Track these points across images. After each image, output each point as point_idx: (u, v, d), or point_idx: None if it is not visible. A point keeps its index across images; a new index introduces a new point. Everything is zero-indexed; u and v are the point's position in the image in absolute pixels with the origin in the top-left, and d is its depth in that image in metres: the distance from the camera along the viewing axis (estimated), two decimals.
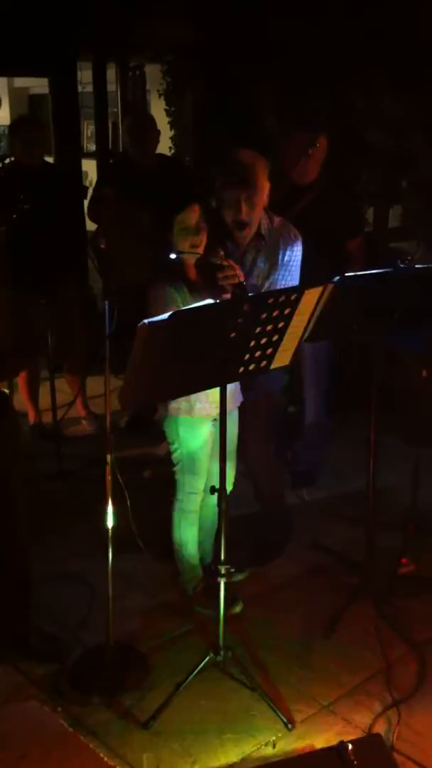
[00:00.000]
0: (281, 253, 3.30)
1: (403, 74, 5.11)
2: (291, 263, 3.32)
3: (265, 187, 3.22)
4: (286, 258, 3.31)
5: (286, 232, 3.33)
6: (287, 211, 3.57)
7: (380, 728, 2.77)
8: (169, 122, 7.05)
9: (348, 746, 2.58)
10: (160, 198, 4.30)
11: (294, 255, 3.32)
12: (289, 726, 2.78)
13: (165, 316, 2.40)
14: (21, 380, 5.03)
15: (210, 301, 2.64)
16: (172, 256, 3.00)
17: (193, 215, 3.03)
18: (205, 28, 5.78)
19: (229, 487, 3.30)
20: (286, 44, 5.37)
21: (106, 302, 2.70)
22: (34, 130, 4.69)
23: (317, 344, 3.95)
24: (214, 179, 3.33)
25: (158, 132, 4.97)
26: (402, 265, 3.10)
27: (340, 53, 5.17)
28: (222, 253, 2.96)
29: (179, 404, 3.14)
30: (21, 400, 5.08)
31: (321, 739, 2.74)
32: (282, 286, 3.27)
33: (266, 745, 2.72)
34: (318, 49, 5.21)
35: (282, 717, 2.79)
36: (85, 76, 6.80)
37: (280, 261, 3.30)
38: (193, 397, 3.08)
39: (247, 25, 5.55)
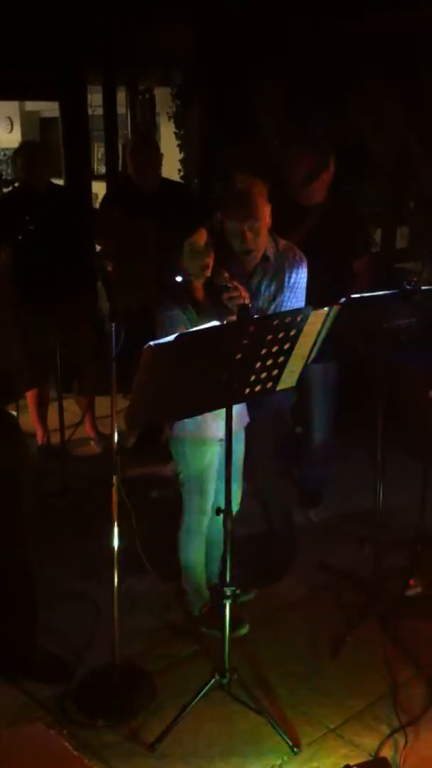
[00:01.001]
0: (287, 275, 3.32)
1: (406, 91, 5.14)
2: (296, 285, 3.34)
3: (266, 212, 3.25)
4: (291, 280, 3.33)
5: (291, 254, 3.35)
6: (293, 232, 3.59)
7: (387, 752, 2.75)
8: (178, 145, 7.10)
9: None
10: (162, 220, 4.34)
11: (299, 277, 3.34)
12: (295, 749, 2.76)
13: (170, 338, 2.41)
14: (30, 401, 5.06)
15: (215, 323, 2.66)
16: (178, 279, 3.02)
17: (201, 238, 3.06)
18: (209, 48, 5.83)
19: (235, 508, 3.30)
20: (289, 63, 5.41)
21: (113, 324, 2.72)
22: (37, 154, 4.74)
23: (325, 365, 3.96)
24: (215, 208, 3.37)
25: (159, 155, 4.99)
26: (408, 287, 3.10)
27: (343, 71, 5.21)
28: (227, 275, 2.98)
29: (185, 425, 3.15)
30: (29, 420, 5.10)
31: (327, 763, 2.72)
32: (287, 308, 3.28)
33: None
34: (321, 68, 5.25)
35: (288, 740, 2.77)
36: (95, 99, 6.87)
37: (285, 283, 3.32)
38: (199, 417, 3.08)
39: (249, 45, 5.60)
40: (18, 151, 4.88)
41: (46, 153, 4.93)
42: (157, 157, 4.93)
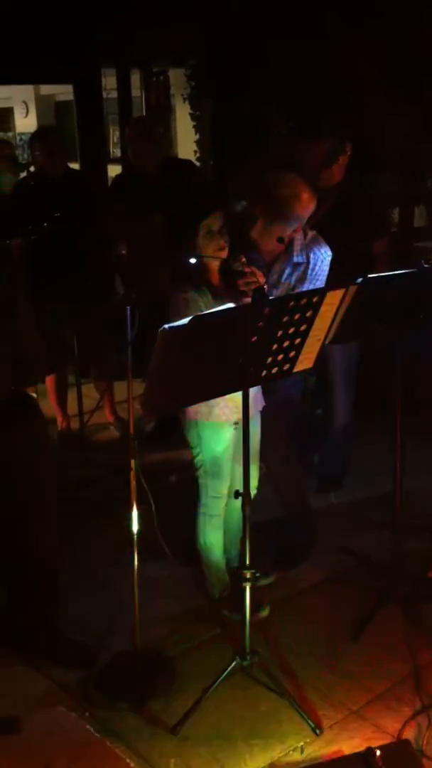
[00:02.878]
0: (311, 266, 3.30)
1: (410, 82, 5.09)
2: (318, 276, 3.32)
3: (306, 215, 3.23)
4: (315, 272, 3.31)
5: (316, 245, 3.33)
6: (312, 215, 3.56)
7: (410, 733, 2.74)
8: (194, 126, 7.07)
9: (376, 752, 2.55)
10: (168, 204, 4.30)
11: (322, 269, 3.32)
12: (317, 731, 2.76)
13: (185, 321, 2.40)
14: (49, 386, 5.07)
15: (230, 305, 2.64)
16: (192, 260, 3.00)
17: (217, 220, 3.04)
18: (220, 32, 5.80)
19: (253, 491, 3.29)
20: (298, 51, 5.36)
21: (128, 308, 2.71)
22: (52, 140, 4.73)
23: (347, 346, 3.94)
24: (234, 193, 3.37)
25: (158, 142, 4.92)
26: (426, 266, 3.07)
27: (355, 59, 5.16)
28: (244, 259, 2.96)
29: (199, 409, 3.14)
30: (49, 406, 5.11)
31: (349, 745, 2.71)
32: None
33: (294, 750, 2.70)
34: (332, 58, 5.21)
35: (310, 722, 2.77)
36: (109, 82, 6.85)
37: (309, 274, 3.31)
38: (212, 401, 3.07)
39: (258, 31, 5.55)
40: (34, 137, 4.87)
41: (60, 139, 4.91)
42: (154, 146, 4.85)
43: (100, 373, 5.11)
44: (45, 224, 4.22)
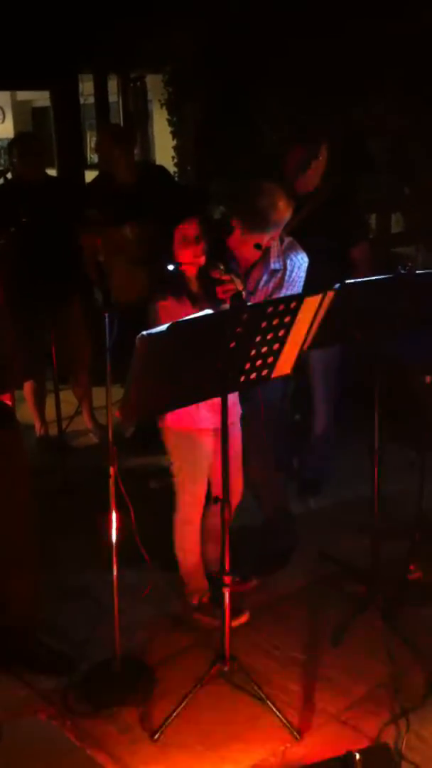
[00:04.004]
0: (288, 272, 3.32)
1: (403, 82, 5.13)
2: (295, 282, 3.33)
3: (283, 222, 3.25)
4: (291, 277, 3.32)
5: (293, 252, 3.35)
6: (289, 220, 3.58)
7: (389, 737, 2.75)
8: (171, 132, 7.07)
9: (356, 756, 2.56)
10: (143, 211, 4.29)
11: (299, 275, 3.33)
12: (298, 736, 2.76)
13: (163, 327, 2.40)
14: (27, 392, 5.05)
15: (209, 311, 2.64)
16: (170, 267, 3.01)
17: (193, 227, 3.04)
18: (206, 37, 5.80)
19: (237, 498, 3.30)
20: (286, 54, 5.39)
21: (106, 314, 2.70)
22: (32, 146, 4.71)
23: (327, 352, 3.96)
24: (212, 199, 3.38)
25: (130, 142, 4.89)
26: (402, 271, 3.09)
27: (342, 62, 5.19)
28: (222, 267, 2.97)
29: (177, 415, 3.14)
30: (27, 412, 5.09)
31: (329, 749, 2.71)
32: None
33: (274, 755, 2.70)
34: (319, 59, 5.23)
35: (290, 727, 2.78)
36: (86, 87, 6.84)
37: (286, 280, 3.32)
38: (191, 408, 3.07)
39: (247, 35, 5.57)
40: (13, 143, 4.84)
41: (40, 145, 4.89)
42: (129, 154, 4.84)
43: (78, 379, 5.10)
44: (12, 229, 4.21)
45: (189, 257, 3.03)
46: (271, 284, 3.33)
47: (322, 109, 5.26)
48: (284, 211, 3.25)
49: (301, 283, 3.34)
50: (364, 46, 5.15)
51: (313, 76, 5.31)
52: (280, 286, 3.32)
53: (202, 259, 3.03)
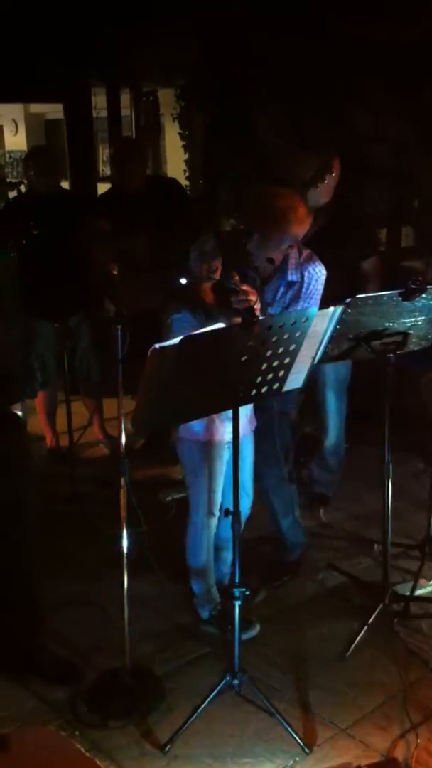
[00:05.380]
0: (305, 285, 3.33)
1: (404, 90, 5.15)
2: (312, 295, 3.34)
3: (301, 231, 3.26)
4: (309, 290, 3.33)
5: (311, 263, 3.36)
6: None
7: (398, 752, 2.74)
8: (183, 145, 7.12)
9: None
10: (154, 223, 4.30)
11: (316, 288, 3.34)
12: (307, 750, 2.76)
13: (176, 340, 2.42)
14: (39, 404, 5.07)
15: (221, 325, 2.66)
16: (183, 281, 3.03)
17: (208, 242, 3.06)
18: (208, 46, 5.84)
19: (246, 511, 3.31)
20: (286, 59, 5.41)
21: (118, 326, 2.72)
22: (47, 161, 4.75)
23: (338, 366, 3.96)
24: (226, 212, 3.39)
25: (144, 162, 4.93)
26: (413, 286, 3.10)
27: (340, 67, 5.22)
28: (237, 278, 2.98)
29: (192, 427, 3.15)
30: (38, 423, 5.11)
31: (338, 763, 2.71)
32: None
33: None
34: (319, 63, 5.26)
35: (299, 741, 2.77)
36: (99, 101, 6.89)
37: (303, 292, 3.33)
38: (206, 420, 3.09)
39: (246, 41, 5.60)
40: (29, 156, 4.87)
41: (55, 160, 4.93)
42: (142, 167, 4.87)
43: (89, 390, 5.12)
44: (24, 242, 4.23)
45: (205, 272, 3.05)
46: (289, 296, 3.34)
47: (324, 113, 5.28)
48: (304, 219, 3.25)
49: (319, 296, 3.35)
50: (362, 51, 5.17)
51: (314, 82, 5.33)
52: (297, 297, 3.32)
53: (218, 274, 3.06)
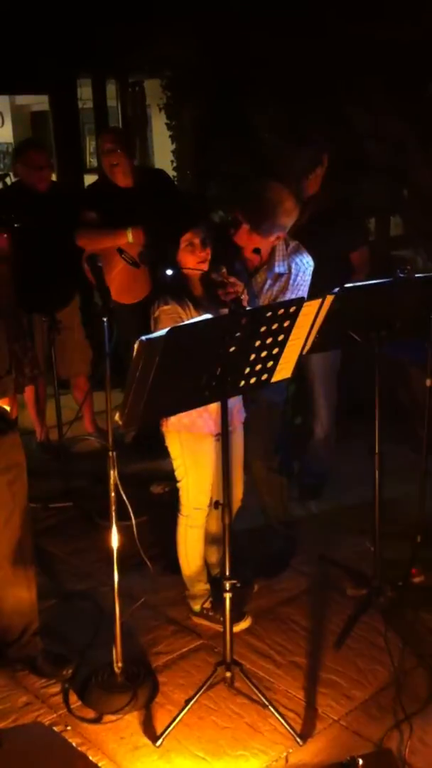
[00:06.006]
0: (293, 276, 3.32)
1: (400, 86, 5.13)
2: (300, 286, 3.33)
3: (290, 224, 3.25)
4: (296, 282, 3.32)
5: (298, 255, 3.35)
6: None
7: (392, 742, 2.74)
8: (170, 136, 7.07)
9: (359, 761, 2.56)
10: (145, 214, 4.26)
11: (304, 279, 3.33)
12: (300, 741, 2.76)
13: (162, 332, 2.40)
14: (28, 397, 5.04)
15: (208, 316, 2.64)
16: (169, 272, 3.01)
17: (198, 233, 3.04)
18: (204, 42, 5.81)
19: (237, 504, 3.30)
20: (284, 57, 5.39)
21: (105, 320, 2.70)
22: (44, 156, 4.71)
23: (327, 356, 3.95)
24: (215, 204, 3.37)
25: (130, 146, 4.88)
26: (401, 275, 3.09)
27: (339, 66, 5.19)
28: (225, 270, 2.97)
29: (181, 420, 3.14)
30: (28, 417, 5.09)
31: (333, 754, 2.71)
32: None
33: (278, 761, 2.70)
34: (316, 62, 5.23)
35: (293, 732, 2.77)
36: (85, 92, 6.84)
37: (291, 284, 3.32)
38: (194, 412, 3.07)
39: (245, 39, 5.57)
40: (22, 152, 4.82)
41: (48, 155, 4.87)
42: (129, 157, 4.83)
43: (78, 383, 5.09)
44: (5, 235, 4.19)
45: (194, 262, 3.03)
46: (276, 288, 3.33)
47: (320, 111, 5.26)
48: (291, 211, 3.24)
49: (306, 287, 3.34)
50: (361, 50, 5.15)
51: (310, 79, 5.31)
52: (284, 289, 3.31)
53: (206, 265, 3.04)
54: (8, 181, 4.94)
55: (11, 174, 5.10)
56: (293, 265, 3.32)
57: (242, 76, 5.73)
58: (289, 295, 3.30)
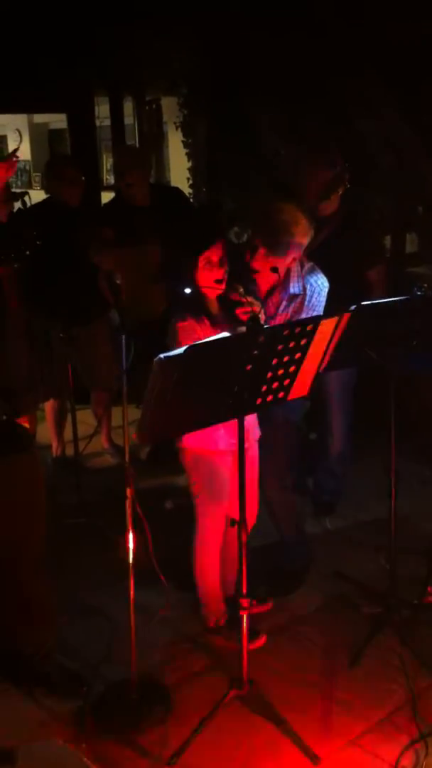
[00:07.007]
0: (308, 297, 3.33)
1: (403, 90, 5.15)
2: (315, 307, 3.34)
3: (304, 243, 3.28)
4: (311, 302, 3.33)
5: (313, 275, 3.36)
6: (309, 243, 3.58)
7: (408, 762, 2.72)
8: (186, 153, 7.13)
9: None
10: (162, 231, 4.28)
11: (319, 300, 3.34)
12: (315, 761, 2.74)
13: (180, 349, 2.41)
14: (49, 411, 5.06)
15: (226, 334, 2.65)
16: (187, 291, 3.03)
17: (217, 252, 3.06)
18: (215, 54, 5.85)
19: (252, 521, 3.29)
20: (289, 65, 5.42)
21: (123, 336, 2.72)
22: (79, 173, 4.75)
23: (343, 373, 3.95)
24: (232, 221, 3.39)
25: (147, 164, 4.91)
26: (418, 293, 3.09)
27: (343, 72, 5.22)
28: (242, 289, 2.98)
29: (196, 437, 3.14)
30: (45, 431, 5.11)
31: None
32: None
33: None
34: (321, 69, 5.26)
35: (308, 751, 2.75)
36: (102, 110, 6.91)
37: (306, 305, 3.33)
38: (210, 429, 3.07)
39: (254, 50, 5.61)
40: (58, 168, 4.85)
41: (80, 169, 4.92)
42: (146, 175, 4.86)
43: (99, 399, 5.10)
44: (27, 252, 4.21)
45: (212, 281, 3.05)
46: (291, 309, 3.34)
47: (326, 119, 5.28)
48: (306, 231, 3.26)
49: (321, 308, 3.34)
50: (373, 59, 5.17)
51: (323, 90, 5.33)
52: (299, 310, 3.32)
53: (224, 284, 3.05)
54: (27, 199, 4.97)
55: (29, 192, 5.14)
56: (308, 286, 3.33)
57: (245, 81, 5.76)
58: (305, 316, 3.31)
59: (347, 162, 4.01)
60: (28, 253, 3.33)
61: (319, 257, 3.44)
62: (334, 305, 3.20)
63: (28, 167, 9.61)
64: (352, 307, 2.87)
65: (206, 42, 5.81)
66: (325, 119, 5.34)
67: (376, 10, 5.02)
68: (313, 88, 5.38)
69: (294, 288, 3.33)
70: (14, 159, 3.05)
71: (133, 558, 2.88)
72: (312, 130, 5.34)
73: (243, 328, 2.85)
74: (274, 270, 3.20)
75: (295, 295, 3.33)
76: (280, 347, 2.62)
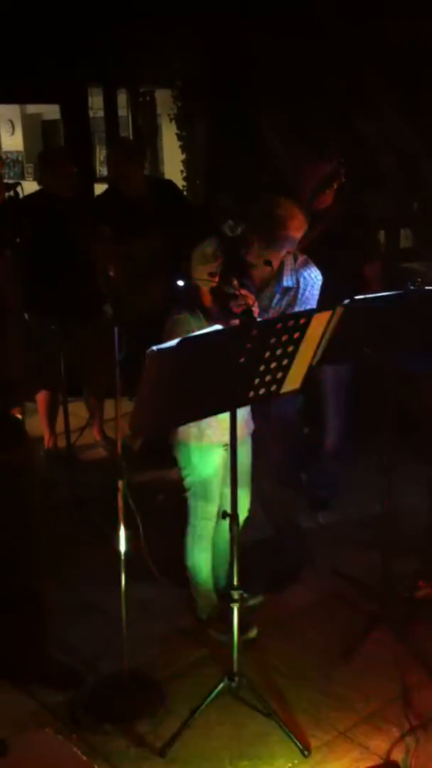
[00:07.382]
0: (301, 290, 3.33)
1: (408, 96, 5.15)
2: (308, 300, 3.34)
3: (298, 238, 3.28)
4: (304, 295, 3.33)
5: (306, 269, 3.36)
6: (304, 237, 3.58)
7: (398, 754, 2.74)
8: (180, 146, 7.11)
9: None
10: (157, 224, 4.27)
11: (312, 293, 3.34)
12: (306, 753, 2.75)
13: (173, 342, 2.41)
14: (41, 403, 5.05)
15: (219, 327, 2.65)
16: (180, 283, 3.02)
17: (211, 245, 3.06)
18: (213, 52, 5.84)
19: (244, 514, 3.30)
20: (290, 65, 5.41)
21: (116, 328, 2.72)
22: (71, 164, 4.73)
23: (338, 368, 3.95)
24: (226, 216, 3.39)
25: (143, 164, 4.89)
26: (412, 287, 3.09)
27: (343, 72, 5.22)
28: (236, 282, 2.98)
29: (189, 430, 3.14)
30: (36, 423, 5.09)
31: (337, 766, 2.71)
32: None
33: None
34: (321, 69, 5.26)
35: (298, 744, 2.77)
36: (96, 101, 6.88)
37: (299, 298, 3.33)
38: (203, 423, 3.08)
39: (253, 49, 5.60)
40: (53, 160, 4.83)
41: (72, 161, 4.90)
42: (140, 169, 4.84)
43: (93, 391, 5.09)
44: (18, 240, 4.20)
45: (205, 274, 3.04)
46: (284, 302, 3.34)
47: (332, 123, 5.28)
48: (300, 226, 3.27)
49: (315, 302, 3.35)
50: (373, 59, 5.17)
51: (322, 90, 5.33)
52: (292, 304, 3.33)
53: (218, 277, 3.05)
54: (19, 190, 4.95)
55: (21, 183, 5.12)
56: (301, 279, 3.34)
57: (245, 81, 5.75)
58: (298, 309, 3.31)
59: (346, 161, 4.01)
60: (18, 240, 3.32)
61: (315, 252, 3.44)
62: (328, 299, 3.20)
63: (20, 158, 9.57)
64: (346, 301, 2.87)
65: (206, 42, 5.79)
66: (325, 119, 5.33)
67: (376, 10, 5.02)
68: (313, 88, 5.37)
69: (287, 281, 3.33)
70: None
71: (125, 552, 2.87)
72: (312, 130, 5.33)
73: (236, 321, 2.85)
74: (268, 263, 3.20)
75: (289, 288, 3.33)
76: (272, 340, 2.62)
